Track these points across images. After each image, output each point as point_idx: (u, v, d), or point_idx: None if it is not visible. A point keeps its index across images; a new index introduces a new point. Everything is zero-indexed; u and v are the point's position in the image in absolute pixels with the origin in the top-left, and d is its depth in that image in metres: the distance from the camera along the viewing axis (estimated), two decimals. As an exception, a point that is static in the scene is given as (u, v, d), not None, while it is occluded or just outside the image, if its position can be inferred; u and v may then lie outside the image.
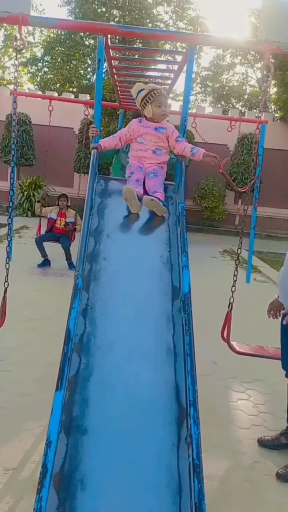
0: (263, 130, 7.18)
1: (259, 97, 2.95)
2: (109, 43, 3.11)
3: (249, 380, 4.02)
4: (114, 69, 4.12)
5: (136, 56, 7.72)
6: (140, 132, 2.86)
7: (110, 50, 3.39)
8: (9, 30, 21.53)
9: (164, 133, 2.86)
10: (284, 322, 2.83)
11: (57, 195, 7.78)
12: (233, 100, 23.15)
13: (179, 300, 2.27)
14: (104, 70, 3.08)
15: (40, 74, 21.96)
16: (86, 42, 20.58)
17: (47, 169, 8.02)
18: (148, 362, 2.07)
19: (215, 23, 30.88)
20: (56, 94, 15.82)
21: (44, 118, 7.51)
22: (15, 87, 3.02)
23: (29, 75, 22.65)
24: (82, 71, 21.62)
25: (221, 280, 7.60)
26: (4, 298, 2.90)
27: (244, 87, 23.11)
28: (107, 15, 19.23)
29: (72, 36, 19.80)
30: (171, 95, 13.63)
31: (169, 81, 4.53)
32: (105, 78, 9.15)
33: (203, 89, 23.46)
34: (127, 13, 18.66)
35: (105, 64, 3.68)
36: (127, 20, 18.42)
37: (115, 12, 19.60)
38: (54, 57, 20.95)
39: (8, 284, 2.87)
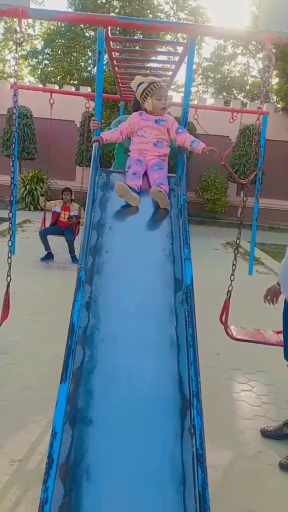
0: (265, 121, 7.14)
1: (261, 88, 2.93)
2: (110, 35, 3.09)
3: (252, 371, 4.04)
4: (114, 61, 4.11)
5: (137, 48, 7.66)
6: (140, 125, 2.86)
7: (111, 42, 3.38)
8: (9, 22, 21.39)
9: (165, 126, 2.86)
10: None
11: (59, 189, 7.80)
12: (235, 91, 22.99)
13: (182, 292, 2.28)
14: (104, 62, 3.07)
15: (40, 66, 21.85)
16: (87, 34, 20.45)
17: (49, 163, 8.01)
18: (151, 354, 2.09)
19: (216, 13, 30.52)
20: (57, 87, 15.74)
21: (45, 111, 7.49)
22: (16, 81, 3.00)
23: (29, 68, 22.54)
24: (82, 63, 21.50)
25: (223, 272, 7.58)
26: (7, 292, 2.92)
27: (245, 78, 22.94)
28: (107, 6, 19.09)
29: (73, 28, 19.67)
30: (172, 86, 13.56)
31: (170, 73, 4.51)
32: (106, 70, 9.11)
33: (204, 80, 23.29)
34: (127, 3, 18.53)
35: (106, 56, 3.67)
36: (127, 11, 18.29)
37: (115, 3, 19.46)
38: (54, 50, 20.83)
39: (10, 278, 2.88)
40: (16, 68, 2.92)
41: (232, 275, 3.09)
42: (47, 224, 7.77)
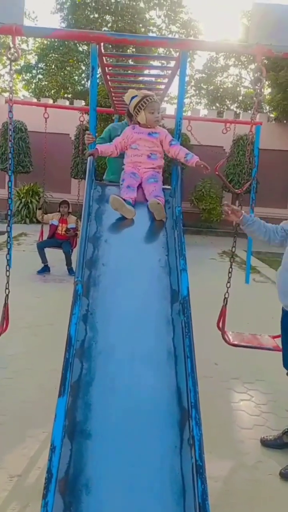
0: (258, 131, 7.23)
1: (253, 99, 2.98)
2: (102, 51, 3.14)
3: (251, 380, 4.04)
4: (108, 76, 4.16)
5: (130, 62, 7.78)
6: (134, 138, 2.90)
7: (104, 57, 3.43)
8: (3, 38, 21.57)
9: (158, 138, 2.90)
10: None
11: (54, 201, 7.84)
12: (228, 102, 23.21)
13: (178, 303, 2.30)
14: (98, 76, 3.11)
15: (34, 81, 22.03)
16: (80, 48, 20.67)
17: (44, 175, 8.06)
18: (149, 366, 2.09)
19: (208, 25, 31.02)
20: (51, 101, 15.87)
21: (39, 125, 7.55)
22: (11, 97, 3.02)
23: (23, 82, 22.71)
24: (76, 77, 21.70)
25: (220, 281, 7.58)
26: (6, 304, 2.92)
27: (238, 89, 23.19)
28: (99, 20, 19.32)
29: (66, 42, 19.87)
30: (165, 98, 13.68)
31: (163, 86, 4.57)
32: (100, 83, 9.21)
33: (197, 91, 23.53)
34: (120, 18, 18.76)
35: (99, 71, 3.72)
36: (119, 25, 18.50)
37: (107, 17, 19.70)
38: (48, 64, 21.01)
39: (9, 291, 2.89)
40: (11, 85, 2.94)
41: (228, 282, 3.13)
42: (45, 237, 7.79)
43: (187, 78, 22.68)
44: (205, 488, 1.60)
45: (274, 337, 3.40)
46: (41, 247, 7.49)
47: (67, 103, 15.80)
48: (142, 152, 2.89)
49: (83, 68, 21.49)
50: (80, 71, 21.82)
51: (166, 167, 3.21)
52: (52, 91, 20.99)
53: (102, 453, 1.78)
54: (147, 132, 2.89)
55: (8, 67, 2.78)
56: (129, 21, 18.57)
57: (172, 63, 3.55)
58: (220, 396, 3.76)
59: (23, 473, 2.65)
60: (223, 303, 3.25)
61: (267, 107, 18.05)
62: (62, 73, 20.65)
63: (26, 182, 13.87)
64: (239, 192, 3.37)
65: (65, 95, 20.88)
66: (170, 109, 15.80)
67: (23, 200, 13.48)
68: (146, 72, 5.55)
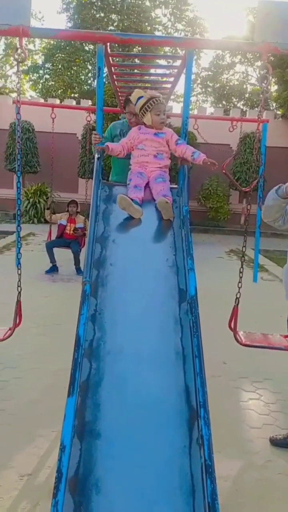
0: (265, 129, 7.18)
1: (260, 96, 2.97)
2: (109, 51, 3.14)
3: (259, 379, 4.03)
4: (114, 76, 4.17)
5: (137, 61, 7.77)
6: (140, 139, 2.90)
7: (110, 57, 3.43)
8: (10, 39, 21.67)
9: (164, 138, 2.90)
10: None
11: (62, 201, 7.87)
12: (234, 99, 23.14)
13: (186, 302, 2.29)
14: (104, 76, 3.11)
15: (41, 81, 22.13)
16: (86, 48, 20.72)
17: (52, 175, 8.09)
18: (157, 365, 2.10)
19: (214, 23, 30.92)
20: (58, 101, 15.92)
21: (46, 125, 7.57)
22: (19, 98, 3.02)
23: (30, 82, 22.81)
24: (83, 77, 21.76)
25: (228, 280, 7.57)
26: (18, 301, 2.94)
27: (244, 86, 23.10)
28: (105, 19, 19.37)
29: (72, 42, 19.92)
30: (172, 96, 13.65)
31: (169, 85, 4.56)
32: (106, 83, 9.21)
33: (203, 89, 23.47)
34: (126, 17, 18.78)
35: (105, 71, 3.73)
36: (125, 24, 18.53)
37: (113, 16, 19.74)
38: (55, 64, 21.10)
39: (21, 288, 2.89)
40: (18, 86, 2.94)
41: (239, 282, 3.08)
42: (53, 237, 7.82)
43: (193, 76, 22.65)
44: (215, 488, 1.60)
45: (286, 336, 3.37)
46: (49, 246, 7.53)
47: (73, 103, 15.85)
48: (148, 152, 2.89)
49: (90, 67, 21.54)
50: (86, 70, 21.88)
51: (173, 166, 3.20)
52: (59, 91, 21.08)
53: (112, 453, 1.79)
54: (153, 133, 2.89)
55: (16, 68, 2.78)
56: (135, 20, 18.59)
57: (178, 62, 3.54)
58: (228, 395, 3.76)
59: (33, 472, 2.67)
60: (235, 303, 3.19)
61: (274, 104, 17.97)
62: (68, 73, 20.72)
63: (34, 182, 13.93)
64: (247, 190, 3.35)
65: (72, 95, 20.94)
66: (176, 107, 15.79)
67: (31, 200, 13.55)
68: (152, 71, 5.52)
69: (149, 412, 1.93)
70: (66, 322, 4.78)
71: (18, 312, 2.93)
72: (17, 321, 2.91)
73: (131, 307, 2.32)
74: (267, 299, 6.63)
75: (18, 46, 2.67)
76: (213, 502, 1.57)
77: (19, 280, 2.88)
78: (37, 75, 22.19)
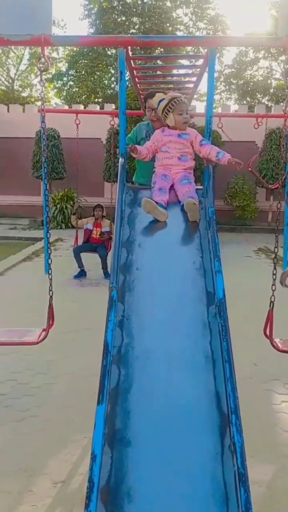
0: (291, 125, 7.04)
1: (285, 90, 2.89)
2: (130, 54, 3.13)
3: (293, 381, 3.93)
4: (136, 78, 4.16)
5: (159, 62, 7.78)
6: (164, 141, 2.88)
7: (131, 60, 3.43)
8: (34, 48, 22.06)
9: (188, 139, 2.87)
10: None
11: (89, 206, 7.92)
12: (259, 95, 22.82)
13: (214, 306, 2.25)
14: (126, 79, 3.11)
15: (66, 88, 22.43)
16: (109, 52, 20.87)
17: (78, 181, 8.17)
18: (186, 370, 2.07)
19: (236, 20, 30.62)
20: (82, 106, 16.07)
21: (71, 131, 7.65)
22: (43, 107, 3.03)
23: (55, 90, 23.15)
24: (106, 81, 21.94)
25: (258, 279, 7.47)
26: (51, 305, 2.97)
27: (269, 81, 22.76)
28: (127, 23, 19.46)
29: (94, 48, 20.11)
30: (195, 96, 13.57)
31: (192, 85, 4.52)
32: (129, 86, 9.25)
33: (227, 87, 23.26)
34: (147, 19, 18.81)
35: (127, 74, 3.72)
36: (147, 26, 18.56)
37: (135, 19, 19.81)
38: (78, 70, 21.35)
39: (52, 292, 2.93)
40: (42, 95, 2.95)
41: (273, 284, 2.99)
42: (80, 242, 7.88)
43: (216, 74, 22.48)
44: (249, 497, 1.56)
45: None
46: (77, 252, 7.59)
47: (97, 107, 15.96)
48: (172, 155, 2.87)
49: (112, 71, 21.69)
50: (109, 75, 22.04)
51: (198, 165, 3.15)
52: (83, 96, 21.31)
53: (143, 461, 1.77)
54: (177, 134, 2.86)
55: (39, 79, 2.82)
56: (156, 21, 18.61)
57: (201, 61, 3.50)
58: (260, 398, 3.68)
59: (66, 479, 2.68)
60: (269, 308, 3.08)
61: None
62: (92, 78, 20.93)
63: (61, 188, 14.09)
64: (273, 187, 3.28)
65: (96, 100, 21.13)
66: (200, 106, 15.69)
67: (58, 206, 13.70)
68: (174, 71, 5.48)
69: (180, 418, 1.91)
70: (96, 327, 4.78)
71: (51, 314, 2.98)
72: (50, 322, 2.97)
73: (159, 312, 2.30)
74: (299, 298, 6.48)
75: (41, 55, 2.70)
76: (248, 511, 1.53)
77: (51, 285, 2.92)
78: (61, 82, 22.51)
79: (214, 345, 2.13)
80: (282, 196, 3.60)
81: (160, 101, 2.85)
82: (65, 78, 22.41)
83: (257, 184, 13.15)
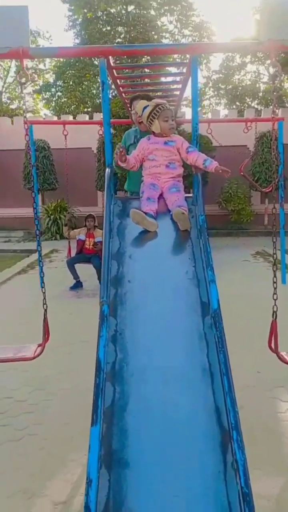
0: (281, 127, 7.04)
1: (273, 93, 2.86)
2: (112, 64, 3.09)
3: (296, 387, 3.86)
4: (121, 88, 4.13)
5: (147, 70, 7.75)
6: (150, 149, 2.83)
7: (114, 70, 3.39)
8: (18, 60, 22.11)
9: (174, 146, 2.82)
10: None
11: (82, 215, 7.87)
12: (248, 100, 22.91)
13: (210, 316, 2.19)
14: (110, 91, 3.07)
15: (54, 99, 22.44)
16: (95, 62, 20.88)
17: (70, 191, 8.13)
18: (184, 385, 2.00)
19: (221, 26, 30.84)
20: (71, 117, 16.07)
21: (61, 141, 7.62)
22: (25, 119, 3.00)
23: (44, 101, 23.18)
24: (94, 91, 21.96)
25: (257, 283, 7.40)
26: (45, 319, 2.92)
27: (257, 85, 22.86)
28: (112, 33, 19.51)
29: (81, 58, 20.17)
30: (184, 102, 13.58)
31: (178, 92, 4.49)
32: (115, 95, 9.22)
33: (216, 92, 23.34)
34: (132, 28, 18.87)
35: (112, 84, 3.68)
36: (132, 35, 18.62)
37: (120, 29, 19.86)
38: (66, 81, 21.39)
39: (47, 306, 2.88)
40: (24, 108, 2.92)
41: (274, 293, 2.88)
42: (73, 253, 7.82)
43: (204, 80, 22.53)
44: (254, 517, 1.49)
45: None
46: (71, 263, 7.52)
47: (86, 117, 15.97)
48: (160, 163, 2.82)
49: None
50: (97, 84, 22.04)
51: (189, 172, 3.09)
52: (72, 106, 21.32)
53: (142, 483, 1.69)
54: (163, 142, 2.82)
55: (25, 89, 2.79)
56: (141, 30, 18.67)
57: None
58: (265, 406, 3.61)
59: (68, 499, 2.60)
60: (273, 318, 2.86)
61: (289, 101, 17.68)
62: (80, 88, 20.96)
63: (54, 198, 14.06)
64: (267, 191, 3.24)
65: (85, 109, 21.15)
66: (189, 112, 15.68)
67: (51, 217, 13.66)
68: (159, 80, 5.46)
69: (179, 436, 1.84)
70: (93, 339, 4.70)
71: (46, 329, 2.93)
72: (46, 337, 2.92)
73: (153, 325, 2.24)
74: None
75: (21, 68, 2.66)
76: (253, 533, 1.46)
77: (44, 298, 2.87)
78: (49, 93, 22.52)
79: (211, 358, 2.07)
80: (277, 199, 3.57)
81: (145, 108, 2.81)
82: (53, 89, 22.44)
83: (251, 187, 13.15)
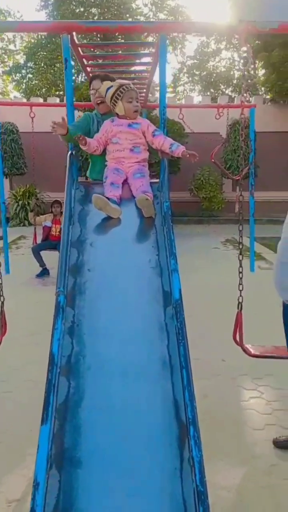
0: (252, 114, 6.99)
1: (243, 80, 2.78)
2: (76, 41, 2.94)
3: (260, 375, 3.85)
4: (87, 68, 3.96)
5: (119, 52, 7.53)
6: (113, 132, 2.70)
7: (79, 48, 3.23)
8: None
9: (139, 129, 2.70)
10: None
11: (51, 201, 7.69)
12: (222, 86, 22.86)
13: (171, 307, 2.11)
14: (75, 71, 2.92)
15: (24, 81, 21.79)
16: (68, 44, 20.40)
17: (39, 176, 7.90)
18: (143, 378, 1.92)
19: (197, 11, 30.52)
20: (41, 100, 15.64)
21: (30, 125, 7.38)
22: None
23: (14, 83, 22.49)
24: (66, 74, 21.43)
25: (225, 271, 7.39)
26: (2, 311, 2.83)
27: (232, 72, 22.82)
28: (86, 14, 19.01)
29: (53, 39, 19.60)
30: (157, 88, 13.37)
31: (147, 74, 4.36)
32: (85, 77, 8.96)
33: (190, 78, 23.19)
34: (106, 10, 18.44)
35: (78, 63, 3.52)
36: (106, 17, 18.19)
37: (93, 10, 19.37)
38: (37, 63, 20.76)
39: (3, 298, 2.76)
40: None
41: (240, 283, 2.83)
42: (39, 240, 7.63)
43: (178, 66, 22.36)
44: (209, 516, 1.43)
45: None
46: (36, 250, 7.34)
47: (57, 100, 15.56)
48: (124, 146, 2.70)
49: (73, 63, 21.21)
50: (70, 67, 21.55)
51: (158, 158, 2.98)
52: (43, 89, 20.76)
53: (95, 482, 1.61)
54: (127, 124, 2.69)
55: None
56: (115, 12, 18.26)
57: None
58: (229, 395, 3.59)
59: (22, 497, 2.50)
60: (238, 309, 2.84)
61: (263, 89, 17.70)
62: (52, 71, 20.40)
63: (22, 183, 13.70)
64: (237, 179, 3.17)
65: (57, 93, 20.63)
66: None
67: (20, 202, 13.32)
68: (128, 61, 5.30)
69: (136, 431, 1.76)
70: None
71: (3, 322, 2.82)
72: (2, 330, 2.81)
73: (113, 316, 2.15)
74: (266, 289, 6.43)
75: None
76: (208, 533, 1.40)
77: (1, 290, 2.75)
78: (20, 75, 21.86)
79: (171, 349, 1.99)
80: (245, 187, 3.51)
81: (108, 88, 2.67)
82: (23, 71, 21.77)
83: (223, 175, 13.14)
